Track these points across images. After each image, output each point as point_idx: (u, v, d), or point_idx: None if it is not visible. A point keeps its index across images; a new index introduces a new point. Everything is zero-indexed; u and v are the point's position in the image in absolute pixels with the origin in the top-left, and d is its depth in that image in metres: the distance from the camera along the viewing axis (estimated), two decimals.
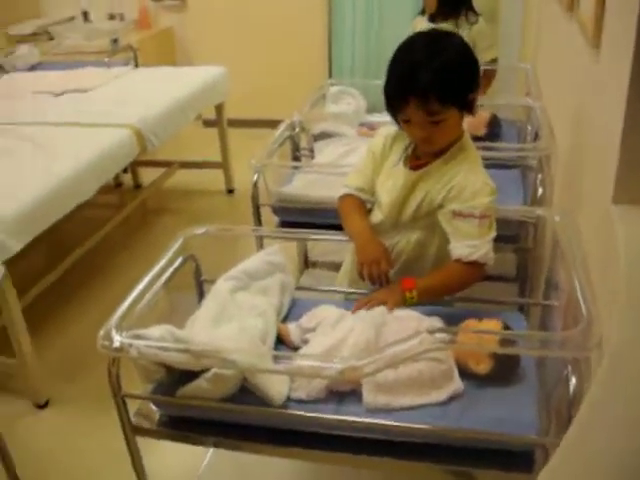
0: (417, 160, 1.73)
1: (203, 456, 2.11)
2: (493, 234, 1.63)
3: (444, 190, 1.65)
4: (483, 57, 3.30)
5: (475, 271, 1.63)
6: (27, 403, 2.52)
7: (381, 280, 1.68)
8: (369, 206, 1.87)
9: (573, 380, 1.25)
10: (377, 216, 1.82)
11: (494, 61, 3.37)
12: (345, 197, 1.86)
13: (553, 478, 0.71)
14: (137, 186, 4.45)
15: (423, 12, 3.45)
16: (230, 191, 4.29)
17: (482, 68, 3.27)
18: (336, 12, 5.05)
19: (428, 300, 1.65)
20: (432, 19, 3.30)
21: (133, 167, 4.37)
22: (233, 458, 2.08)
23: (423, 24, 3.30)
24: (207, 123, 5.11)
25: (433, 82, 1.52)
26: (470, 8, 3.29)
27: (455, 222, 1.63)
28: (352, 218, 1.81)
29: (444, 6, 3.24)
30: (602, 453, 0.72)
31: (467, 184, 1.62)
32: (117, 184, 4.52)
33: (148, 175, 4.33)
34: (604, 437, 0.74)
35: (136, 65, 4.42)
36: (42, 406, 2.50)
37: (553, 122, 2.27)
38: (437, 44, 1.59)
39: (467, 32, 3.22)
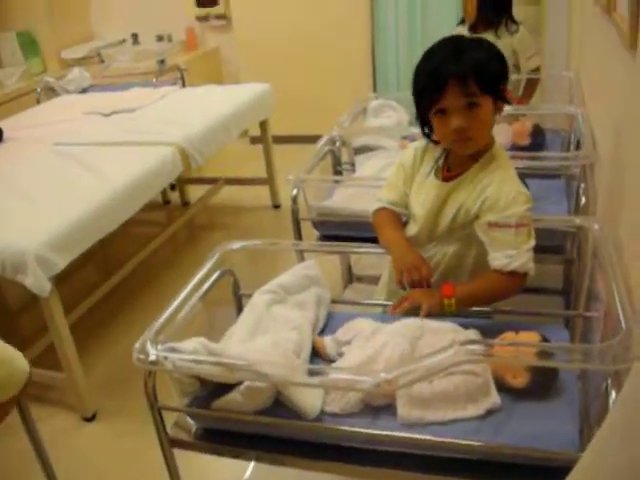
0: (448, 172, 1.72)
1: (241, 470, 2.11)
2: (532, 243, 1.59)
3: (479, 200, 1.63)
4: (526, 66, 3.26)
5: (515, 281, 1.60)
6: (75, 417, 2.57)
7: (422, 286, 1.66)
8: (404, 219, 1.86)
9: (613, 394, 1.21)
10: (412, 229, 1.80)
11: (537, 70, 3.32)
12: (379, 211, 1.85)
13: None
14: (185, 203, 4.52)
15: (463, 22, 3.43)
16: (276, 206, 4.32)
17: (526, 77, 3.26)
18: (379, 25, 5.05)
19: (466, 308, 1.63)
20: (472, 29, 3.27)
21: (181, 185, 4.45)
22: (271, 472, 2.07)
23: (464, 34, 3.28)
24: (253, 140, 5.16)
25: (475, 63, 1.53)
26: (510, 17, 3.25)
27: (491, 233, 1.61)
28: (387, 230, 1.80)
29: (484, 15, 3.21)
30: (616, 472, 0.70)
31: (501, 194, 1.60)
32: (165, 202, 4.60)
33: (196, 192, 4.39)
34: (618, 457, 0.72)
35: (183, 85, 4.50)
36: (89, 419, 2.55)
37: (596, 130, 2.22)
38: (467, 42, 1.61)
39: (509, 41, 3.19)
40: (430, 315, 1.58)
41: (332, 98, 4.94)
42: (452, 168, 1.71)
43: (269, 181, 4.29)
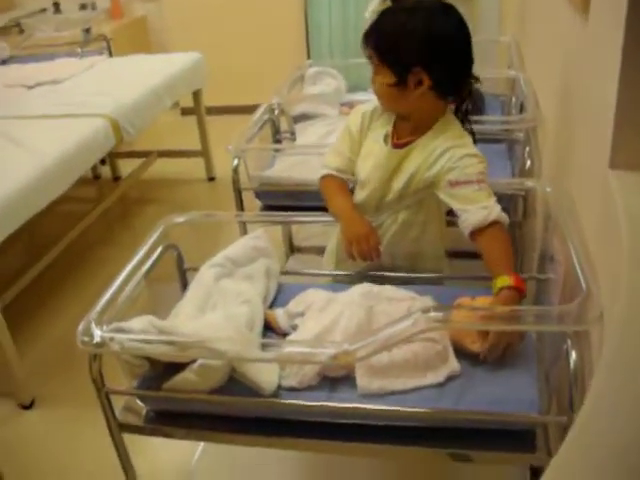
0: (399, 138, 1.68)
1: (194, 451, 2.06)
2: (494, 198, 1.56)
3: (435, 166, 1.59)
4: None
5: (502, 229, 1.53)
6: (12, 404, 2.45)
7: (372, 255, 1.63)
8: (350, 185, 1.82)
9: (573, 355, 1.20)
10: (360, 195, 1.76)
11: None
12: (326, 178, 1.80)
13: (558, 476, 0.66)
14: (116, 178, 4.35)
15: None
16: (211, 179, 4.21)
17: None
18: None
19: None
20: None
21: (111, 159, 4.28)
22: (226, 451, 2.03)
23: None
24: (185, 111, 5.02)
25: (379, 33, 1.59)
26: None
27: (456, 191, 1.56)
28: (335, 198, 1.75)
29: None
30: (606, 445, 0.68)
31: (457, 156, 1.57)
32: (95, 176, 4.42)
33: (127, 167, 4.23)
34: (608, 428, 0.70)
35: (110, 55, 4.33)
36: (27, 407, 2.44)
37: (539, 93, 2.22)
38: (420, 13, 1.57)
39: None
40: None
41: (266, 67, 4.84)
42: (402, 136, 1.68)
43: (203, 153, 4.18)
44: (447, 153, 1.59)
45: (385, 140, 1.70)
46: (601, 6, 1.33)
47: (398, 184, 1.66)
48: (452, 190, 1.57)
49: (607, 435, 0.68)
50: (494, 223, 1.50)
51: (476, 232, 1.52)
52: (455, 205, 1.57)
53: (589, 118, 1.40)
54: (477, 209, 1.51)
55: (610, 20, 1.15)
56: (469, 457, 1.33)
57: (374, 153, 1.71)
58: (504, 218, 1.52)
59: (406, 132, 1.67)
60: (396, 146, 1.67)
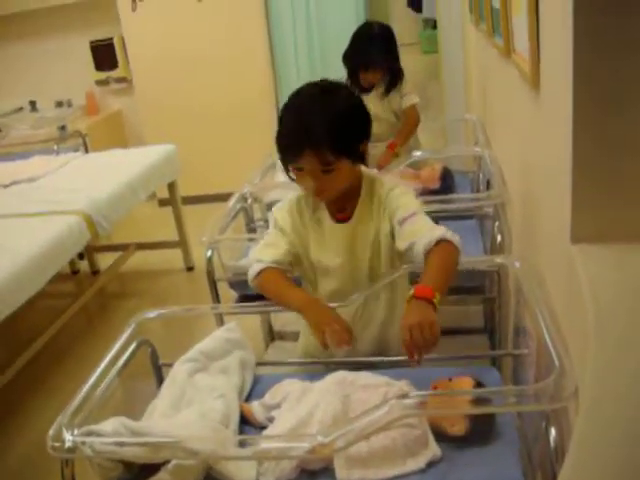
0: (340, 212, 1.70)
1: None
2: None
3: (387, 213, 1.65)
4: (400, 103, 3.24)
5: (452, 246, 1.54)
6: None
7: (347, 340, 1.53)
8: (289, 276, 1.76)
9: (552, 433, 1.19)
10: (329, 284, 1.74)
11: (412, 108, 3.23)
12: (265, 271, 1.69)
13: None
14: (95, 272, 4.35)
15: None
16: (190, 268, 4.22)
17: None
18: (281, 83, 5.11)
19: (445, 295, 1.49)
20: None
21: (89, 253, 4.29)
22: None
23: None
24: (162, 202, 5.06)
25: (327, 134, 1.53)
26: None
27: (405, 230, 1.60)
28: (288, 290, 1.67)
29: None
30: None
31: (393, 198, 1.64)
32: (74, 271, 4.41)
33: (106, 260, 4.24)
34: None
35: (86, 151, 4.40)
36: None
37: (505, 169, 2.27)
38: (329, 95, 1.61)
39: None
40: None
41: (239, 155, 4.92)
42: (340, 210, 1.70)
43: (181, 243, 4.20)
44: (386, 200, 1.65)
45: (331, 219, 1.71)
46: (550, 82, 1.37)
47: (366, 254, 1.68)
48: (402, 229, 1.60)
49: None
50: (441, 241, 1.53)
51: (426, 254, 1.54)
52: (408, 245, 1.58)
53: (549, 193, 1.43)
54: (425, 234, 1.55)
55: (558, 97, 1.19)
56: None
57: (326, 235, 1.71)
58: (452, 236, 1.54)
59: (341, 206, 1.70)
60: (342, 220, 1.69)
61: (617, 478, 0.73)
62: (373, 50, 3.09)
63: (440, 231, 1.54)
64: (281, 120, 1.63)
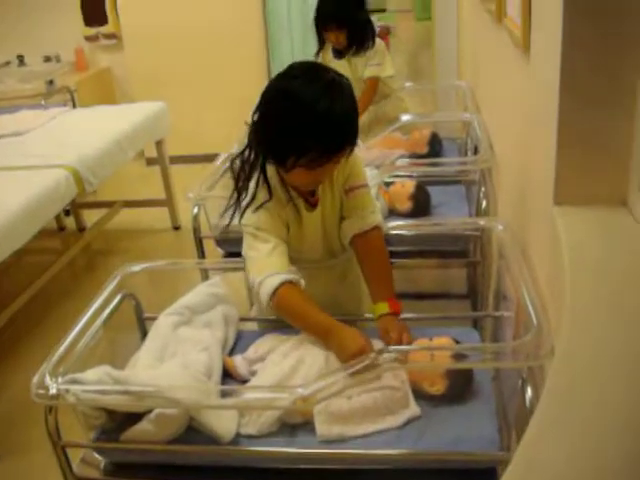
0: (313, 196, 1.64)
1: None
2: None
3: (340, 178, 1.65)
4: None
5: (382, 232, 1.65)
6: None
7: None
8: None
9: (529, 391, 1.22)
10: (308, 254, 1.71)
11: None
12: (281, 290, 1.50)
13: None
14: (81, 229, 4.33)
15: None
16: (176, 228, 4.23)
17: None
18: (273, 42, 5.07)
19: None
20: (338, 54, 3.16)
21: (76, 209, 4.27)
22: None
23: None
24: (150, 161, 5.04)
25: (355, 130, 1.51)
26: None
27: (348, 201, 1.63)
28: (313, 314, 1.51)
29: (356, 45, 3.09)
30: (550, 468, 0.69)
31: (349, 164, 1.62)
32: (60, 228, 4.40)
33: (92, 217, 4.22)
34: (552, 452, 0.71)
35: (74, 106, 4.36)
36: None
37: (493, 135, 2.27)
38: (337, 88, 1.47)
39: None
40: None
41: (229, 116, 4.88)
42: (312, 192, 1.64)
43: (168, 202, 4.20)
44: (343, 168, 1.60)
45: (306, 208, 1.64)
46: (540, 44, 1.38)
47: (335, 231, 1.69)
48: (347, 198, 1.63)
49: (547, 464, 0.69)
50: (376, 228, 1.61)
51: (357, 236, 1.61)
52: (350, 210, 1.63)
53: (536, 157, 1.44)
54: (366, 214, 1.61)
55: (548, 58, 1.20)
56: None
57: (303, 225, 1.65)
58: (383, 223, 1.63)
59: (309, 193, 1.63)
60: (314, 204, 1.64)
61: (584, 434, 0.75)
62: (334, 5, 3.00)
63: (377, 216, 1.61)
64: (285, 116, 1.48)
